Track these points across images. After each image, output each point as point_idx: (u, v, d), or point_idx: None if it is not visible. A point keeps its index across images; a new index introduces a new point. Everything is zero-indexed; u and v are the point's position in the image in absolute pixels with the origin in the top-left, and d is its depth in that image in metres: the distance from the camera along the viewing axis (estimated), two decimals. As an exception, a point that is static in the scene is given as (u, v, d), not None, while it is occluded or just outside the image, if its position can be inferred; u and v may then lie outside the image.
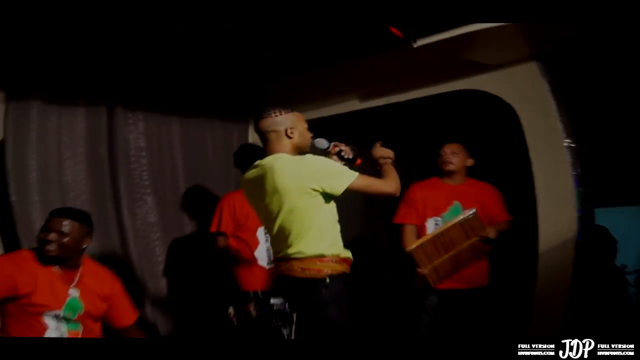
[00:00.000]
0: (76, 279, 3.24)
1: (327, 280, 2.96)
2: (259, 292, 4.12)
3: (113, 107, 4.56)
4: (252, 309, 3.97)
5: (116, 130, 4.57)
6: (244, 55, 4.41)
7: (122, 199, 4.55)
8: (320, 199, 2.97)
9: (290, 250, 2.98)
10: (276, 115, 3.09)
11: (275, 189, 2.94)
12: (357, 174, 3.00)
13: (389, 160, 3.20)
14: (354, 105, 4.94)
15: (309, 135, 3.17)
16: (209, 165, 5.16)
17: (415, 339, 4.18)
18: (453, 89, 4.48)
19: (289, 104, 3.23)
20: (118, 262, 4.42)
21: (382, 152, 3.26)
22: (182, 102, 4.95)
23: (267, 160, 3.00)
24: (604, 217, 5.41)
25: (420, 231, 4.21)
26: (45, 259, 3.14)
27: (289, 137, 3.07)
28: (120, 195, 4.55)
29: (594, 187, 4.27)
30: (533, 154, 4.11)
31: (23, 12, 3.26)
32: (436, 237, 4.04)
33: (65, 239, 3.14)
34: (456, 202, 4.21)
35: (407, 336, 4.33)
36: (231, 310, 4.04)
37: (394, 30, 3.79)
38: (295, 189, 2.92)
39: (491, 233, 4.10)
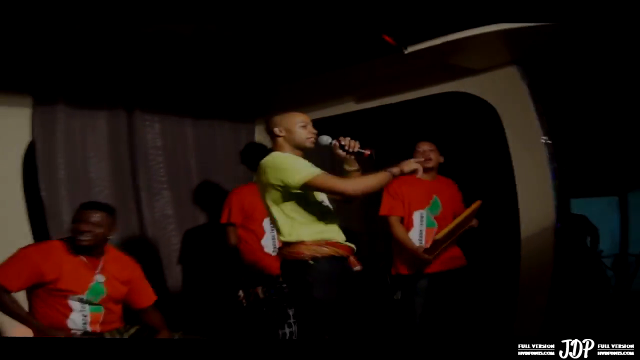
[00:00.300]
0: (100, 266, 3.36)
1: (311, 262, 3.05)
2: (266, 276, 4.22)
3: (132, 110, 4.68)
4: (260, 291, 4.20)
5: (135, 131, 4.69)
6: (251, 63, 4.53)
7: (141, 193, 4.68)
8: (293, 192, 3.07)
9: (282, 238, 3.14)
10: (269, 118, 3.27)
11: (260, 183, 3.15)
12: (316, 173, 3.02)
13: (394, 170, 3.14)
14: (350, 107, 5.06)
15: (305, 132, 3.22)
16: (219, 162, 5.28)
17: (411, 326, 4.25)
18: (440, 91, 4.62)
19: (291, 106, 3.38)
20: (137, 250, 4.48)
21: (401, 164, 3.20)
22: (195, 105, 5.09)
23: (263, 159, 3.19)
24: (580, 206, 5.60)
25: (408, 223, 4.29)
26: (77, 248, 3.28)
27: (278, 136, 3.22)
28: (139, 190, 4.68)
29: (570, 180, 4.39)
30: (513, 150, 4.28)
31: (48, 24, 3.48)
32: (456, 226, 4.12)
33: (98, 230, 3.29)
34: (435, 197, 4.32)
35: (402, 324, 4.36)
36: (241, 293, 4.25)
37: (387, 38, 3.93)
38: (267, 184, 3.08)
39: (475, 223, 4.26)
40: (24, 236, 4.04)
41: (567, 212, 4.87)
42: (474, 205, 4.13)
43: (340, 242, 3.15)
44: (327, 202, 3.24)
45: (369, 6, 3.59)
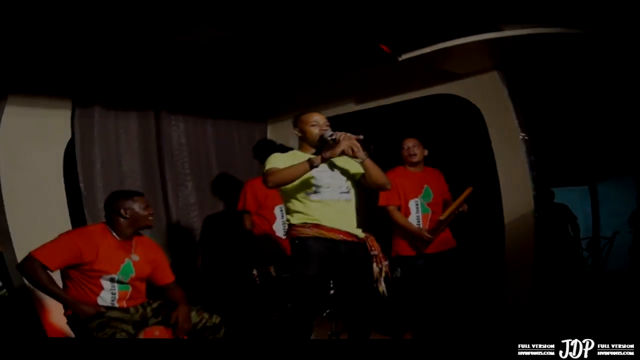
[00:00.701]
0: (131, 248, 3.51)
1: (297, 241, 3.34)
2: (278, 256, 4.37)
3: (159, 112, 4.93)
4: (272, 270, 4.35)
5: (162, 130, 4.96)
6: (263, 71, 4.77)
7: (167, 184, 4.92)
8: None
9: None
10: (292, 121, 3.55)
11: None
12: (268, 168, 3.32)
13: (315, 160, 3.25)
14: (350, 107, 5.31)
15: (315, 131, 3.41)
16: (235, 157, 5.53)
17: (410, 299, 4.40)
18: (430, 93, 4.86)
19: (298, 108, 3.63)
20: (164, 235, 4.82)
21: (324, 152, 3.26)
22: (214, 107, 5.35)
23: None
24: (556, 194, 5.84)
25: (405, 211, 4.46)
26: (124, 231, 3.48)
27: (298, 136, 3.52)
28: (166, 181, 4.92)
29: (546, 171, 4.61)
30: (495, 145, 4.54)
31: (88, 38, 3.73)
32: (455, 209, 4.31)
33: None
34: (426, 186, 4.49)
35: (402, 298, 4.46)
36: (255, 271, 4.41)
37: (383, 47, 4.20)
38: None
39: (465, 208, 4.44)
40: (64, 221, 4.32)
41: (546, 201, 5.04)
42: (467, 191, 4.31)
43: (325, 225, 3.35)
44: (323, 193, 3.40)
45: (367, 19, 3.83)
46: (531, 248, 4.35)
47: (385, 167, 3.56)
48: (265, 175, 3.34)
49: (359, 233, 3.50)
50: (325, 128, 3.44)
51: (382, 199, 4.47)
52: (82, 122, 4.53)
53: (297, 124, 3.51)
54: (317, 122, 3.44)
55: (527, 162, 4.41)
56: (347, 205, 3.49)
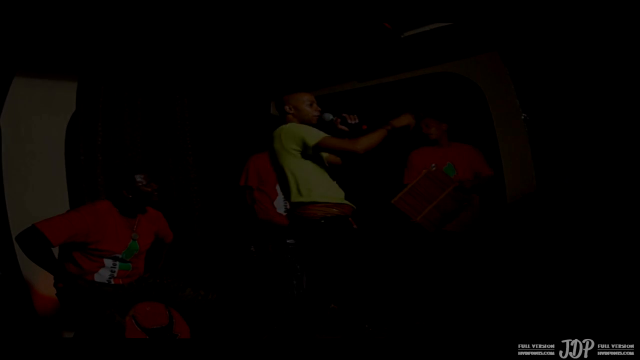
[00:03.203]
0: (136, 224, 3.43)
1: (322, 221, 3.20)
2: (277, 233, 4.29)
3: (164, 87, 4.84)
4: (270, 246, 4.31)
5: (166, 105, 4.84)
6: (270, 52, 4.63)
7: (168, 159, 4.83)
8: (302, 157, 3.22)
9: (294, 199, 3.25)
10: (282, 99, 3.44)
11: (274, 150, 3.29)
12: (324, 134, 3.18)
13: (388, 127, 3.23)
14: (352, 85, 5.22)
15: (309, 110, 3.34)
16: (238, 133, 5.39)
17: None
18: (432, 71, 4.77)
19: (302, 86, 3.51)
20: (163, 209, 4.45)
21: (395, 120, 3.27)
22: (219, 83, 5.23)
23: (277, 128, 3.35)
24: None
25: None
26: (132, 208, 3.40)
27: (288, 113, 3.37)
28: (167, 155, 4.82)
29: (545, 151, 4.39)
30: (497, 125, 4.45)
31: (97, 19, 3.66)
32: (411, 190, 4.19)
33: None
34: (449, 163, 4.44)
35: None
36: (253, 248, 4.39)
37: (387, 25, 4.08)
38: (283, 150, 3.23)
39: (466, 183, 4.30)
40: (62, 194, 4.21)
41: (544, 179, 4.93)
42: (423, 172, 4.26)
43: (344, 204, 3.30)
44: (329, 171, 3.36)
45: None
46: (533, 228, 4.22)
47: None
48: (350, 144, 3.15)
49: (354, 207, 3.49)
50: (319, 109, 3.40)
51: (406, 178, 4.52)
52: (88, 95, 4.43)
53: (289, 100, 3.41)
54: (312, 102, 3.40)
55: (528, 142, 4.32)
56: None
